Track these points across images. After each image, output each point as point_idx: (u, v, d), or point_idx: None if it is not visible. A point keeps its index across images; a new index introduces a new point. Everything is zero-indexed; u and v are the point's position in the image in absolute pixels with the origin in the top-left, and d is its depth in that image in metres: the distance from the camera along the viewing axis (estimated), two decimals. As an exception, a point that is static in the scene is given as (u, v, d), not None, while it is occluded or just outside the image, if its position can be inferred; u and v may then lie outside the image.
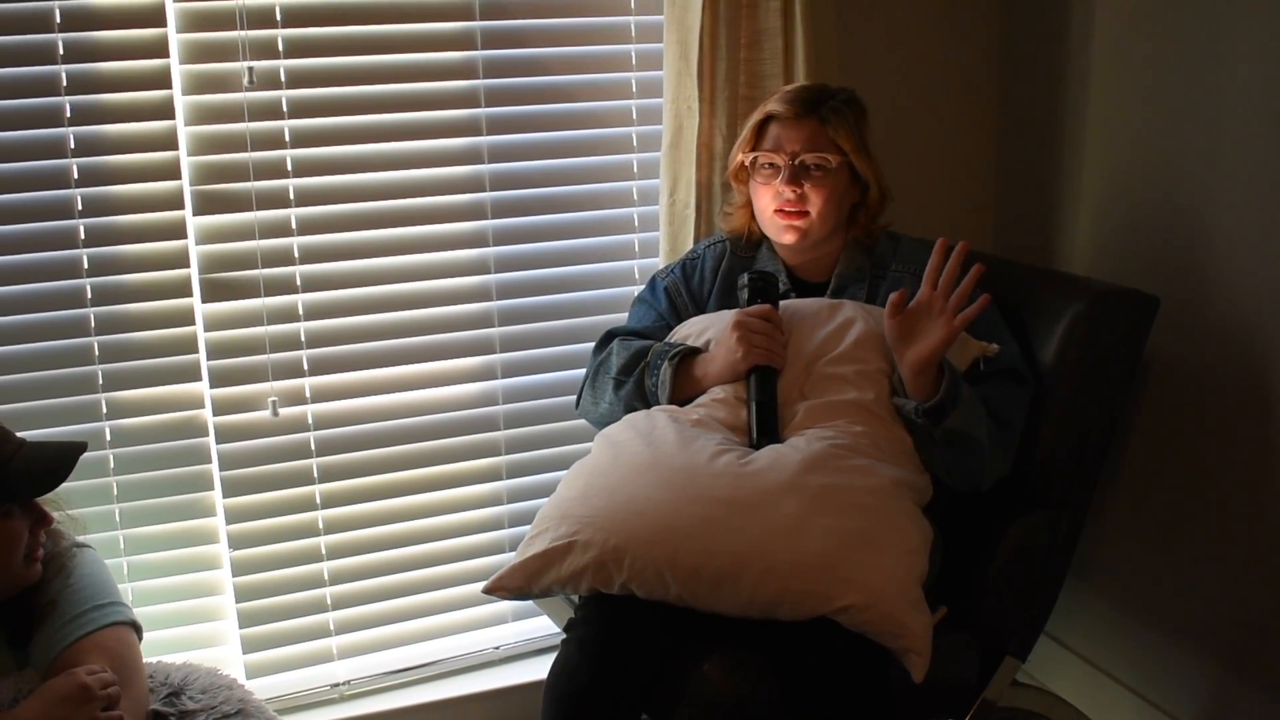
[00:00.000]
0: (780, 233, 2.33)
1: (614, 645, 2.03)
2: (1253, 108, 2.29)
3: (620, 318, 2.56)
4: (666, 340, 2.36)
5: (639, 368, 2.30)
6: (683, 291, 2.46)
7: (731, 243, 2.46)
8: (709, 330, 2.32)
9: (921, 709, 2.22)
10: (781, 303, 2.27)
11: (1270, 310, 2.29)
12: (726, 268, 2.44)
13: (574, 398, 2.50)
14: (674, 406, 2.24)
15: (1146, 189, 2.58)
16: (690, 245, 2.59)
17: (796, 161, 2.27)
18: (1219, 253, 2.39)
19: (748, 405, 2.18)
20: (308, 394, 2.59)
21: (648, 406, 2.29)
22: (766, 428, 2.15)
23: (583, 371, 2.47)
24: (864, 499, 2.03)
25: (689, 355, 2.27)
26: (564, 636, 2.11)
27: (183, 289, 2.46)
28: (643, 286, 2.56)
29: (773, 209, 2.31)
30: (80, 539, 2.02)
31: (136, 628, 1.97)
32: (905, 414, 2.13)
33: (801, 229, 2.30)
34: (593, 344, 2.48)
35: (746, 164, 2.36)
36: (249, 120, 2.42)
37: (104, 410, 2.44)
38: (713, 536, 1.97)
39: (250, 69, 2.39)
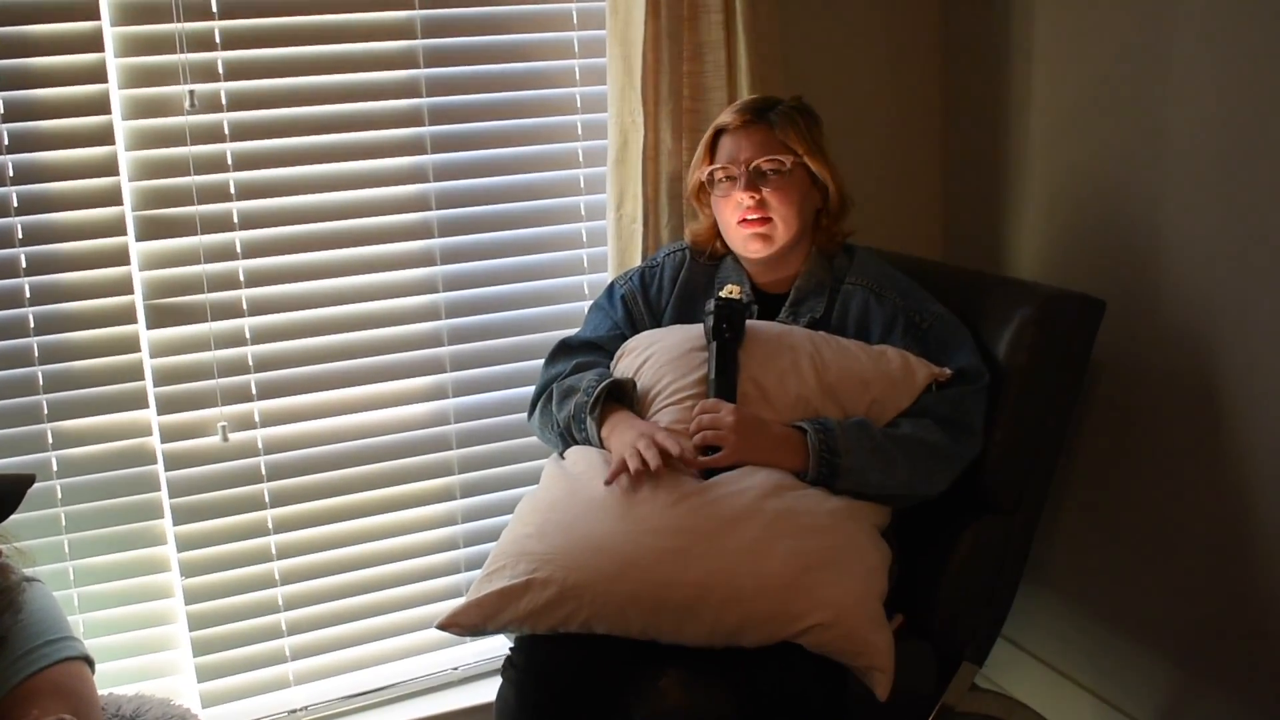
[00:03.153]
0: (746, 243, 2.33)
1: (549, 687, 2.04)
2: (1196, 111, 2.31)
3: (570, 334, 2.54)
4: (609, 367, 2.37)
5: (568, 422, 2.28)
6: (639, 300, 2.45)
7: (693, 251, 2.46)
8: (654, 347, 2.31)
9: (880, 717, 2.22)
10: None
11: (1217, 311, 2.31)
12: (686, 276, 2.44)
13: (525, 414, 2.48)
14: None
15: (1092, 193, 2.60)
16: (638, 259, 2.60)
17: (751, 167, 2.28)
18: (1165, 255, 2.41)
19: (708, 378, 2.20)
20: (257, 418, 2.56)
21: None
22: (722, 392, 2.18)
23: (533, 390, 2.45)
24: (822, 521, 2.04)
25: (609, 403, 2.24)
26: (502, 668, 2.12)
27: (127, 316, 2.43)
28: (592, 300, 2.55)
29: (735, 221, 2.31)
30: (29, 573, 2.00)
31: (89, 661, 1.95)
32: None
33: (766, 235, 2.30)
34: (543, 361, 2.47)
35: (704, 181, 2.36)
36: (191, 144, 2.40)
37: (50, 440, 2.41)
38: (673, 567, 1.97)
39: (191, 92, 2.37)
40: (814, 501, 2.07)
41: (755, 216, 2.29)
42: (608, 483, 2.07)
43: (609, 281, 2.56)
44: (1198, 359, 2.36)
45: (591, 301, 2.56)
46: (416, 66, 2.56)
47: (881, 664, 1.95)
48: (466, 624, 2.05)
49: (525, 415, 2.47)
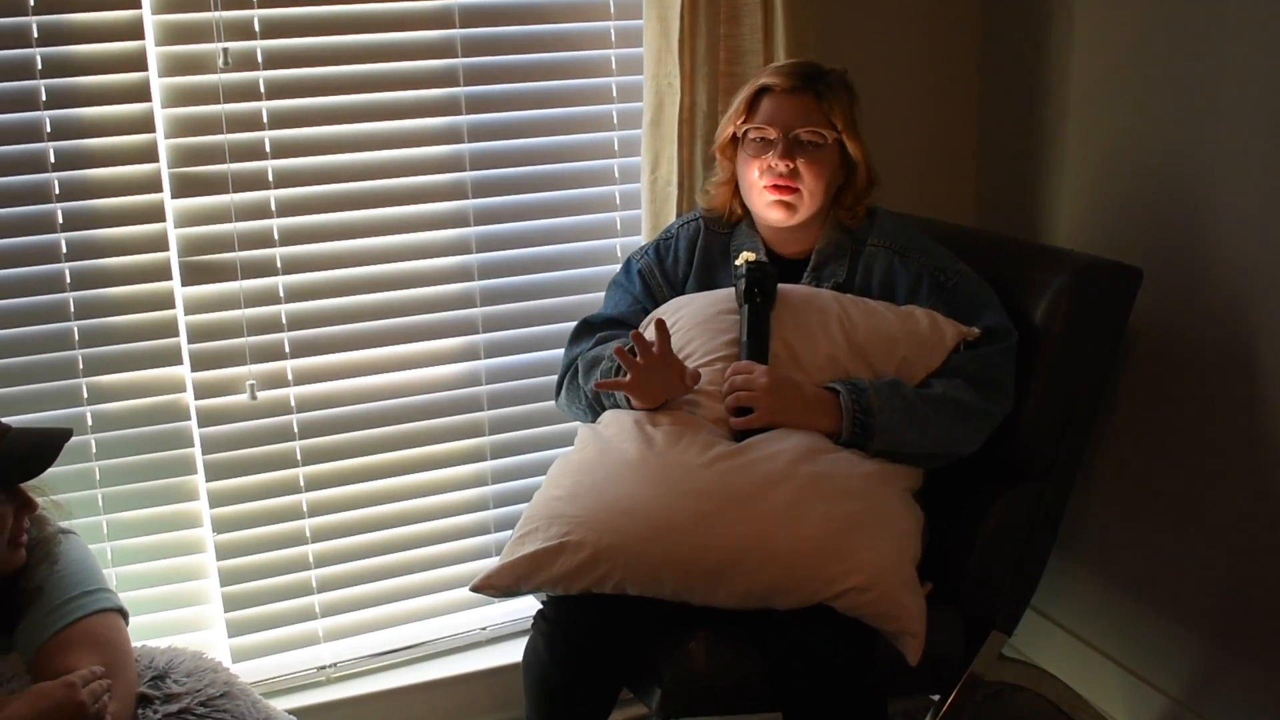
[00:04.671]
0: (768, 209, 2.30)
1: (579, 641, 2.04)
2: (1239, 78, 2.28)
3: (603, 297, 2.55)
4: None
5: (596, 390, 2.29)
6: (657, 273, 2.44)
7: (706, 220, 2.45)
8: (682, 311, 2.31)
9: (908, 684, 2.22)
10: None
11: (1256, 281, 2.29)
12: (703, 245, 2.43)
13: (556, 376, 2.48)
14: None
15: (1130, 160, 2.58)
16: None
17: (791, 135, 2.25)
18: (1204, 224, 2.39)
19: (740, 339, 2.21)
20: (290, 376, 2.57)
21: None
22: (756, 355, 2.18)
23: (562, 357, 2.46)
24: (856, 484, 2.05)
25: None
26: (533, 620, 2.12)
27: (162, 272, 2.44)
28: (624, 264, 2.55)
29: (763, 184, 2.29)
30: (65, 525, 2.02)
31: (124, 613, 1.97)
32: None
33: (791, 205, 2.28)
34: (575, 324, 2.47)
35: (738, 135, 2.33)
36: (224, 102, 2.40)
37: (85, 395, 2.43)
38: (707, 530, 1.97)
39: (225, 50, 2.37)
40: (848, 465, 2.07)
41: (785, 185, 2.27)
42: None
43: (627, 257, 2.54)
44: (1236, 330, 2.34)
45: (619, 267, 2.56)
46: (453, 26, 2.55)
47: (914, 629, 1.95)
48: (500, 586, 2.06)
49: (556, 377, 2.47)
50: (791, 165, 2.25)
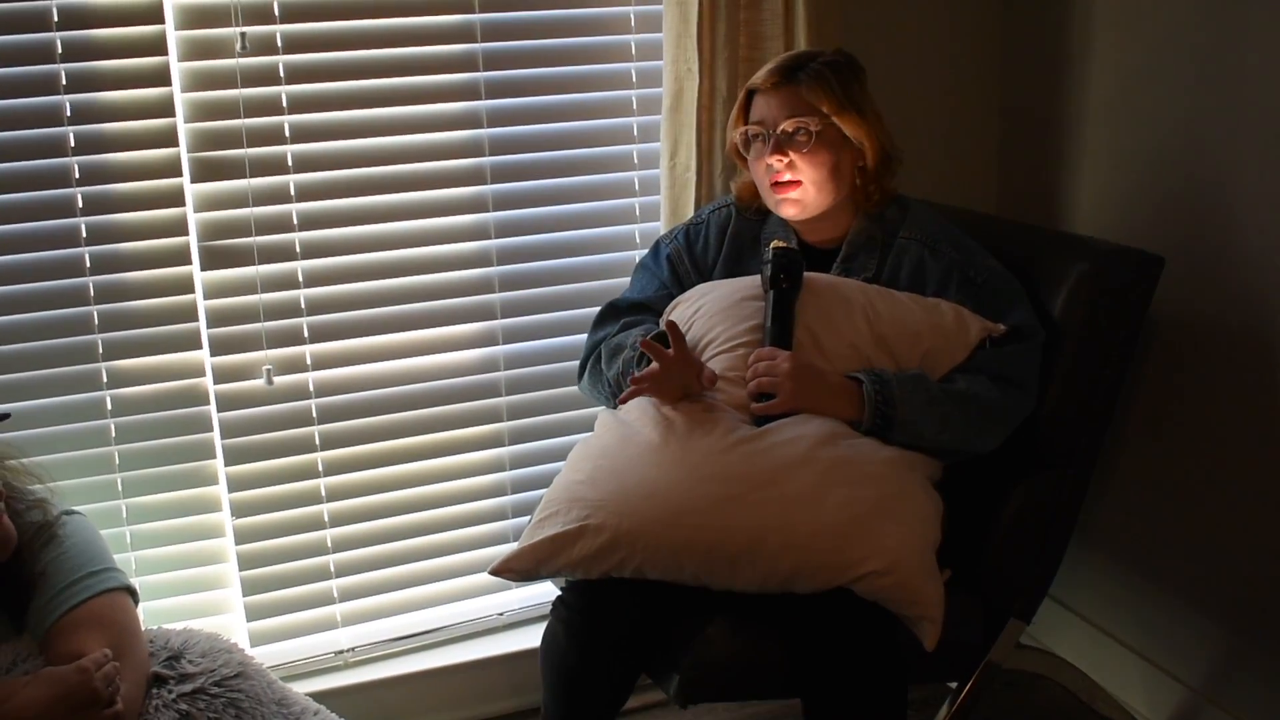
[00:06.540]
0: (778, 206, 2.31)
1: (598, 627, 2.04)
2: (1261, 65, 2.26)
3: (622, 283, 2.54)
4: (657, 325, 2.36)
5: (618, 379, 2.29)
6: (685, 259, 2.44)
7: (738, 207, 2.44)
8: (706, 297, 2.31)
9: (926, 672, 2.22)
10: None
11: (1278, 269, 2.27)
12: (734, 231, 2.42)
13: (575, 363, 2.48)
14: None
15: (1151, 147, 2.56)
16: (691, 209, 2.58)
17: (778, 130, 2.25)
18: (1225, 211, 2.37)
19: (764, 325, 2.20)
20: (308, 361, 2.58)
21: None
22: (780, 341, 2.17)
23: (584, 337, 2.45)
24: (876, 470, 2.04)
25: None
26: (552, 605, 2.13)
27: (182, 257, 2.44)
28: (644, 251, 2.54)
29: (767, 183, 2.29)
30: (70, 506, 2.01)
31: (132, 592, 1.96)
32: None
33: (797, 200, 2.28)
34: (595, 309, 2.47)
35: (738, 141, 2.34)
36: (241, 86, 2.40)
37: (104, 379, 2.43)
38: (728, 513, 1.97)
39: (243, 35, 2.37)
40: (869, 450, 2.06)
41: (785, 179, 2.27)
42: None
43: (655, 240, 2.54)
44: (1258, 318, 2.32)
45: (641, 253, 2.56)
46: (471, 10, 2.54)
47: (932, 614, 1.95)
48: (519, 569, 2.06)
49: (576, 363, 2.47)
50: (786, 159, 2.24)
